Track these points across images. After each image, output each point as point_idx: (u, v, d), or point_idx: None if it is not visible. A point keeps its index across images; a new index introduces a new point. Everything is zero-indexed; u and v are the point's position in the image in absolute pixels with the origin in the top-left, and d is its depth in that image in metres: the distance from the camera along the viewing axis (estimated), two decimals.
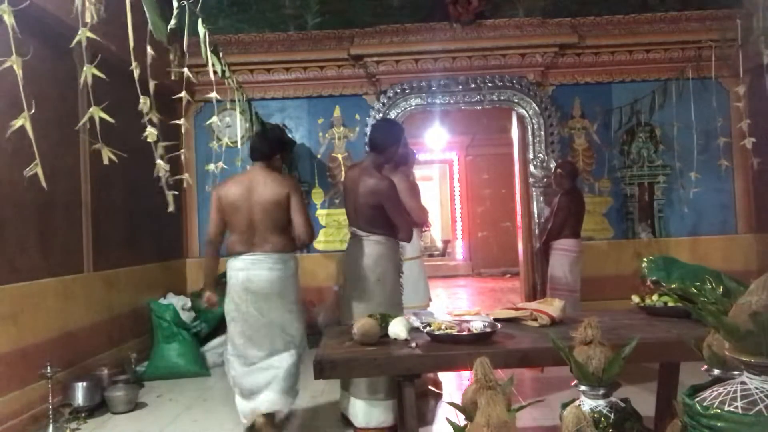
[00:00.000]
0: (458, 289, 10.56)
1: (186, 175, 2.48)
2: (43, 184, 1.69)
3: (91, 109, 1.78)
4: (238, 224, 3.17)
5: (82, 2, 1.77)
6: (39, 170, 1.63)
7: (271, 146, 3.31)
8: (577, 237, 4.78)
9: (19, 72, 1.60)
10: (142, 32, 2.02)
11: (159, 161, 1.98)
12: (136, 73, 1.89)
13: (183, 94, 2.41)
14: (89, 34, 1.74)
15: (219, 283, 5.73)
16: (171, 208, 2.08)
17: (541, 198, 5.97)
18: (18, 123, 1.60)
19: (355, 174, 3.28)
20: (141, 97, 1.88)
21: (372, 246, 3.19)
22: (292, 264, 3.25)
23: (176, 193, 2.06)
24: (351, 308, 3.24)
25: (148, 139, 1.97)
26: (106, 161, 1.83)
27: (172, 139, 2.20)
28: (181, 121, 2.51)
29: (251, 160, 3.36)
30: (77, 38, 1.73)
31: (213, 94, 2.42)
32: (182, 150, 2.61)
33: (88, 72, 1.75)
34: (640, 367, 3.79)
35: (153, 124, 1.95)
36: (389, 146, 3.26)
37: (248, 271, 3.14)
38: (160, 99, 2.11)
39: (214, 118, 2.66)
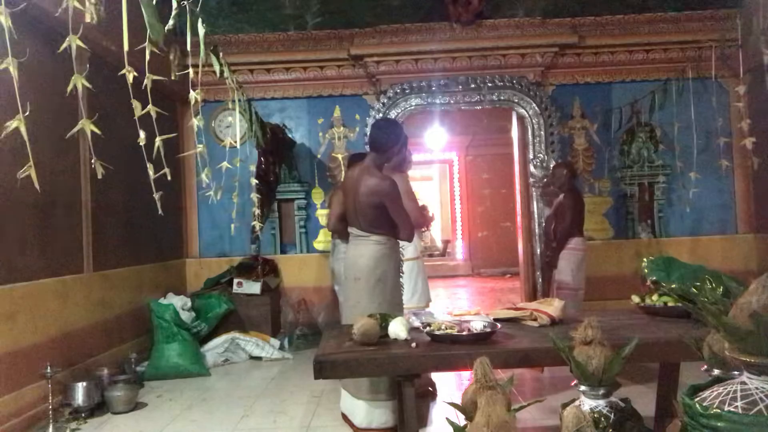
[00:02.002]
0: (458, 289, 10.56)
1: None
2: (36, 186, 1.68)
3: (81, 122, 1.77)
4: None
5: (72, 7, 1.74)
6: (32, 172, 1.62)
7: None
8: (582, 235, 4.80)
9: (14, 73, 1.59)
10: (143, 33, 2.02)
11: (149, 164, 1.98)
12: (130, 77, 1.88)
13: (195, 94, 2.40)
14: (78, 42, 1.72)
15: (219, 284, 5.78)
16: (160, 211, 2.09)
17: (541, 198, 5.97)
18: (13, 125, 1.59)
19: (355, 174, 3.26)
20: (133, 101, 1.88)
21: (372, 246, 3.18)
22: (339, 248, 4.51)
23: (160, 193, 2.06)
24: (351, 309, 3.23)
25: (140, 143, 1.97)
26: (99, 176, 1.83)
27: (173, 140, 2.20)
28: (195, 121, 2.50)
29: None
30: (64, 44, 1.72)
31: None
32: (199, 149, 2.62)
33: (78, 81, 1.74)
34: (640, 367, 3.79)
35: (142, 126, 1.97)
36: (391, 146, 3.24)
37: None
38: (159, 99, 2.10)
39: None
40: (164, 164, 2.16)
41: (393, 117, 5.96)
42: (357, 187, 3.16)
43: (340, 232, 4.35)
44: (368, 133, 3.35)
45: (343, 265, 4.44)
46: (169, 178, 2.16)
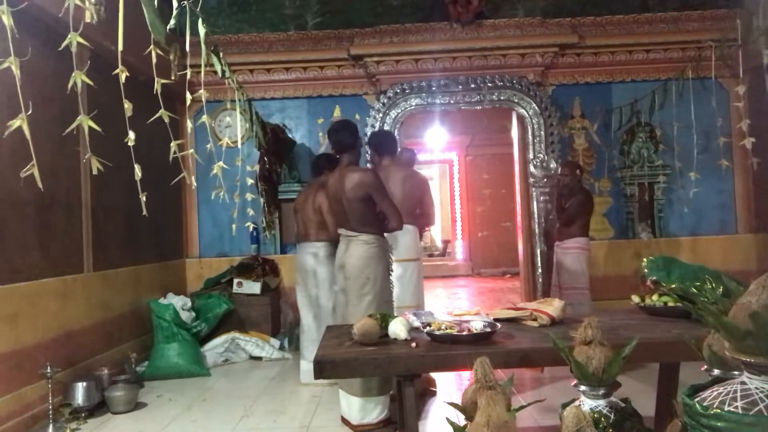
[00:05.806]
0: (458, 289, 10.56)
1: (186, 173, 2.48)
2: (39, 185, 1.69)
3: (79, 117, 1.77)
4: None
5: (73, 6, 1.74)
6: (35, 171, 1.62)
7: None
8: (588, 235, 4.86)
9: (17, 72, 1.59)
10: (143, 33, 2.01)
11: (136, 165, 1.97)
12: (122, 77, 1.88)
13: (197, 95, 2.41)
14: (79, 39, 1.72)
15: (219, 284, 5.77)
16: (144, 212, 2.10)
17: (541, 198, 5.97)
18: (15, 124, 1.59)
19: (336, 177, 3.37)
20: (124, 101, 1.87)
21: (360, 246, 3.24)
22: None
23: (145, 196, 2.05)
24: (342, 307, 3.33)
25: (129, 143, 1.97)
26: (95, 171, 1.83)
27: (173, 139, 2.20)
28: (189, 122, 2.51)
29: None
30: (65, 42, 1.72)
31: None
32: (191, 150, 2.63)
33: (78, 78, 1.74)
34: (641, 366, 3.80)
35: (145, 126, 1.97)
36: (357, 142, 3.44)
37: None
38: (159, 98, 2.10)
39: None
40: (182, 168, 2.17)
41: (393, 117, 5.99)
42: (342, 185, 3.24)
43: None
44: (332, 140, 3.45)
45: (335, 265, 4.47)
46: (191, 184, 2.19)
